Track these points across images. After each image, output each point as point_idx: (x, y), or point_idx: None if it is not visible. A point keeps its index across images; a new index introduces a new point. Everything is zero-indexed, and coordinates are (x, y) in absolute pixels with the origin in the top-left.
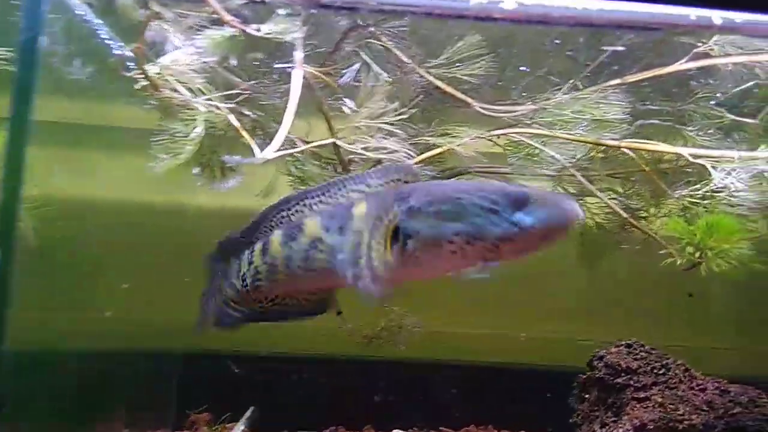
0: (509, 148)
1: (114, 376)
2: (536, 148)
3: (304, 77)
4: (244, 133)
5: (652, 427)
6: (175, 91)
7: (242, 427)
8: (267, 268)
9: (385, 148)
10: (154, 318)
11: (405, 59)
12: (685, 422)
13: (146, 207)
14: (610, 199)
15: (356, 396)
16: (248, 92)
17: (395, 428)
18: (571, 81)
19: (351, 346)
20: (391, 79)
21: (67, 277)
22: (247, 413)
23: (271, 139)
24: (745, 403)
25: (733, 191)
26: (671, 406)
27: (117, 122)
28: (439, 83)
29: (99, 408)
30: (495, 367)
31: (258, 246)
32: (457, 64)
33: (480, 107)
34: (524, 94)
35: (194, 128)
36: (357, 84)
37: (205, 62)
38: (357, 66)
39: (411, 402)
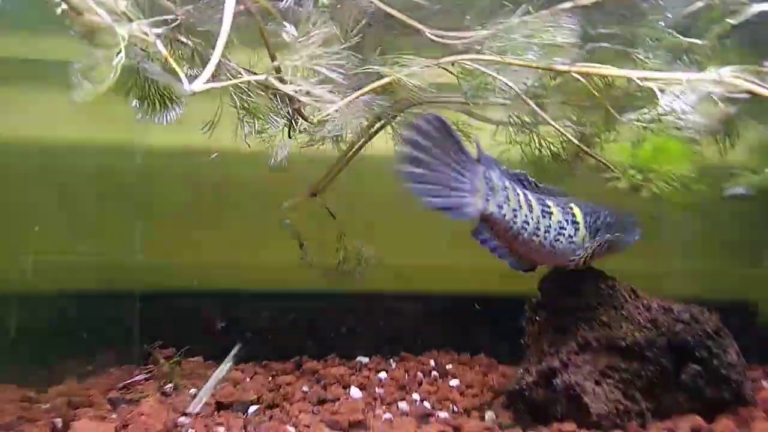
0: (462, 76)
1: (74, 317)
2: (489, 75)
3: (244, 2)
4: (173, 63)
5: (595, 344)
6: (97, 15)
7: (229, 363)
8: (533, 226)
9: (326, 82)
10: (111, 259)
11: None
12: (628, 339)
13: (87, 146)
14: (564, 127)
15: (321, 327)
16: (183, 17)
17: (359, 356)
18: (522, 5)
19: (314, 280)
20: (335, 3)
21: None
22: (234, 350)
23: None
24: (687, 320)
25: (681, 114)
26: (615, 324)
27: (50, 55)
28: (388, 8)
29: (62, 348)
30: (455, 296)
31: (521, 193)
32: None
33: (430, 34)
34: (475, 19)
35: (116, 54)
36: (300, 9)
37: None
38: None
39: (374, 331)
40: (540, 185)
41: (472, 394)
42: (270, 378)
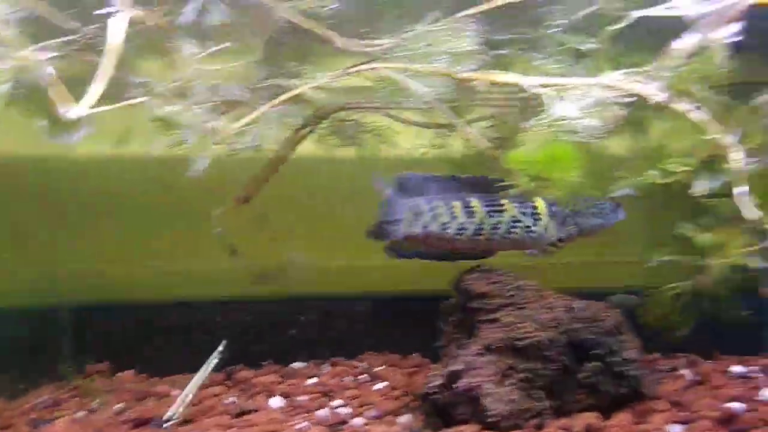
0: (378, 82)
1: (5, 334)
2: (400, 81)
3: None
4: (51, 90)
5: (499, 345)
6: None
7: (215, 361)
8: (474, 228)
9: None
10: (42, 272)
11: None
12: (528, 339)
13: (13, 157)
14: (482, 128)
15: (255, 334)
16: (85, 38)
17: (296, 362)
18: (430, 12)
19: (245, 286)
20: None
21: None
22: (219, 347)
23: (117, 86)
24: (586, 318)
25: (573, 119)
26: (518, 325)
27: None
28: (297, 18)
29: None
30: (387, 297)
31: (457, 204)
32: None
33: (342, 43)
34: (393, 24)
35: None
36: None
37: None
38: (198, 4)
39: (313, 335)
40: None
41: (394, 397)
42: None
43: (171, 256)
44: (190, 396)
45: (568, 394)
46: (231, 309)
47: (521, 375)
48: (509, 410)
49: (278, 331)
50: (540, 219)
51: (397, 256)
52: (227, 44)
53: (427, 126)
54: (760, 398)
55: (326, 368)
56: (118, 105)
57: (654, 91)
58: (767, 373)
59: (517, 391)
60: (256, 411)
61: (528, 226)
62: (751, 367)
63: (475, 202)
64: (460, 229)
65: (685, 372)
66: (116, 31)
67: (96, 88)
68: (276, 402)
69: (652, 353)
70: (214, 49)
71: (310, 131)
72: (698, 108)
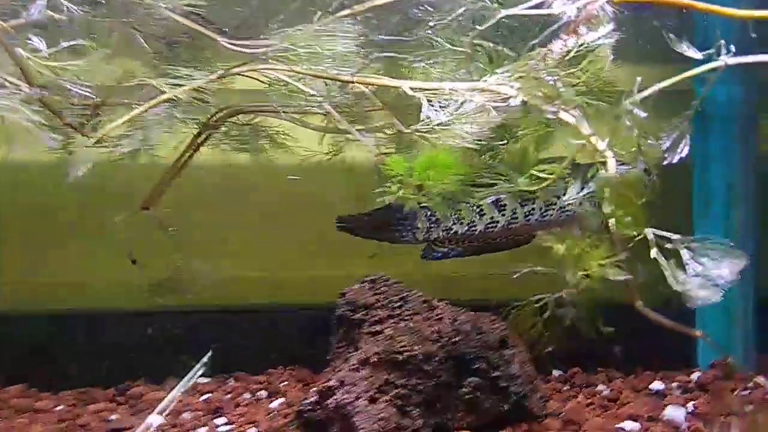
0: (269, 85)
1: None
2: (289, 84)
3: None
4: None
5: (375, 360)
6: None
7: (200, 372)
8: (507, 219)
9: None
10: None
11: None
12: (406, 353)
13: None
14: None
15: (157, 348)
16: None
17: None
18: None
19: (143, 299)
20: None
21: None
22: (204, 358)
23: None
24: (468, 331)
25: (446, 124)
26: (400, 337)
27: None
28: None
29: None
30: (292, 309)
31: (485, 203)
32: None
33: (225, 43)
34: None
35: None
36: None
37: None
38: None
39: (215, 350)
40: None
41: (283, 415)
42: (73, 406)
43: (67, 266)
44: (168, 409)
45: (448, 411)
46: (135, 321)
47: (398, 391)
48: (380, 428)
49: (187, 345)
50: None
51: (431, 259)
52: (79, 41)
53: (327, 131)
54: (663, 417)
55: (229, 383)
56: None
57: (514, 94)
58: (683, 391)
59: (391, 408)
60: (129, 429)
61: (561, 207)
62: (670, 384)
63: (508, 199)
64: (491, 223)
65: (602, 388)
66: None
67: None
68: (156, 420)
69: (573, 367)
70: (64, 45)
71: (210, 135)
72: (570, 112)
